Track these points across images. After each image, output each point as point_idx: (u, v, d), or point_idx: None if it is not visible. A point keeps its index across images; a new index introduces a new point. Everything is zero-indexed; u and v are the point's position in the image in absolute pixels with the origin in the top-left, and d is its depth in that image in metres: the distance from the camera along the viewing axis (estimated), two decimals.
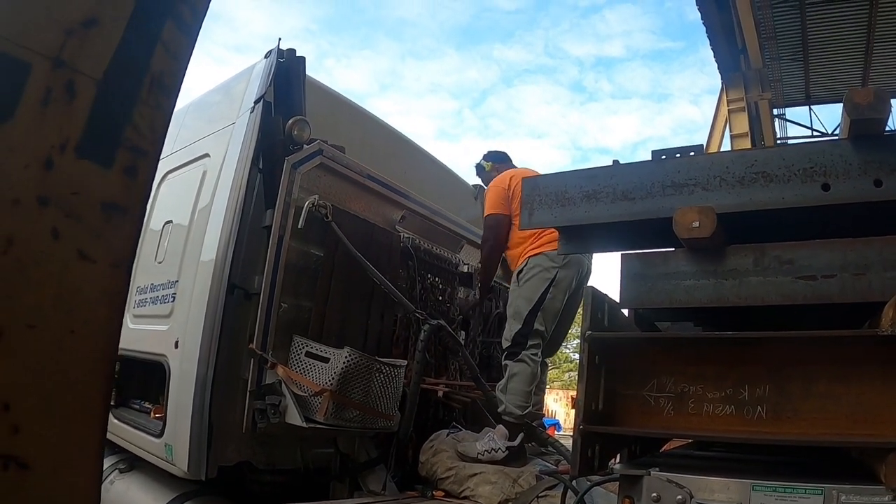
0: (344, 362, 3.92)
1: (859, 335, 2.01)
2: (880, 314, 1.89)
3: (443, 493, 4.09)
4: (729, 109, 14.39)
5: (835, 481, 1.94)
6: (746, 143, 13.88)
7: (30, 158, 0.97)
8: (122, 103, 1.07)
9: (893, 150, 2.09)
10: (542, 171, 4.90)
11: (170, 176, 5.15)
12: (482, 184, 5.72)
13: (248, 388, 3.97)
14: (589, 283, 4.11)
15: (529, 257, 4.57)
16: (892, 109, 2.15)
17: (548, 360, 5.07)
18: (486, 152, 5.70)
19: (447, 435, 4.60)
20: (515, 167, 5.35)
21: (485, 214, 5.01)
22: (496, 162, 5.51)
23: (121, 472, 4.99)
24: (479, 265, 5.27)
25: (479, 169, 5.69)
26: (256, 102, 4.37)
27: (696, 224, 2.21)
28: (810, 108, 17.59)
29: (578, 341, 2.27)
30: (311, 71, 4.70)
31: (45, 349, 1.00)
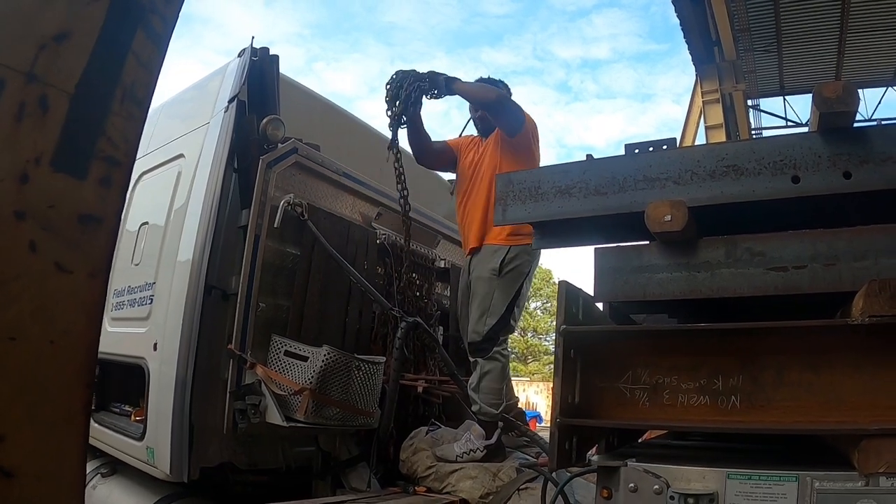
0: (323, 360, 3.93)
1: (830, 325, 2.04)
2: (851, 304, 1.93)
3: (425, 489, 4.10)
4: (703, 101, 14.56)
5: (809, 468, 1.98)
6: (721, 135, 14.03)
7: (5, 173, 0.98)
8: (95, 115, 1.08)
9: (862, 143, 2.13)
10: None
11: (145, 177, 5.12)
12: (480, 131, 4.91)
13: (228, 389, 3.96)
14: (562, 278, 3.97)
15: (512, 247, 4.30)
16: (861, 101, 2.19)
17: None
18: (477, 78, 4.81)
19: (426, 433, 4.61)
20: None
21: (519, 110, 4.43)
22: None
23: (103, 476, 4.97)
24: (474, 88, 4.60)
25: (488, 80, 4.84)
26: (230, 102, 4.35)
27: (668, 218, 2.24)
28: (784, 99, 17.85)
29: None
30: (301, 75, 4.80)
31: (25, 360, 1.01)
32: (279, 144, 4.30)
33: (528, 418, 6.08)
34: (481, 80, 4.77)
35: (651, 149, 2.53)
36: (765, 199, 2.22)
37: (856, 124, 2.17)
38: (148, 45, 1.14)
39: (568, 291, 2.26)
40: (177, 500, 4.34)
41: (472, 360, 4.48)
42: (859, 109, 2.33)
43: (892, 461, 1.82)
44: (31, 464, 1.02)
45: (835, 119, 2.12)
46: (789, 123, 17.86)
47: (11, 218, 0.98)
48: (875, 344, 1.94)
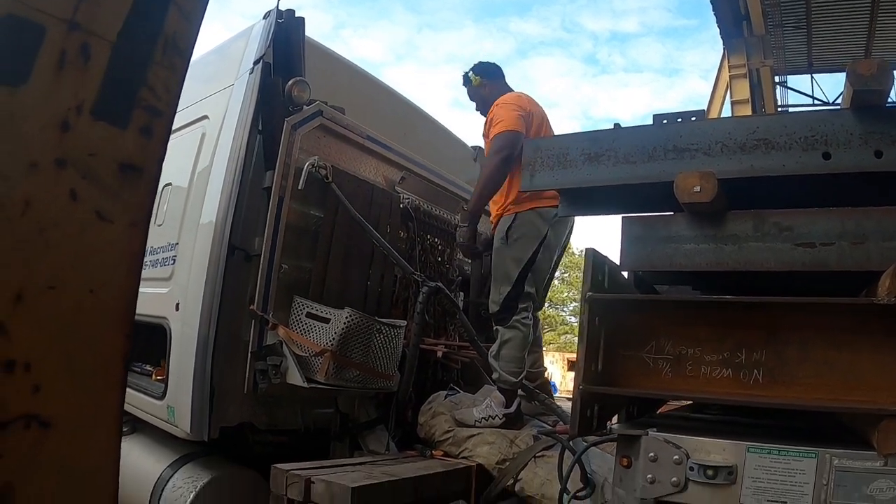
0: (344, 323, 3.96)
1: (856, 303, 2.05)
2: (877, 283, 1.92)
3: (442, 453, 4.14)
4: (730, 76, 14.39)
5: (828, 445, 1.98)
6: (747, 110, 13.88)
7: (46, 121, 0.98)
8: (137, 65, 1.08)
9: (895, 122, 2.10)
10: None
11: (169, 139, 5.10)
12: (470, 97, 5.02)
13: (249, 349, 4.00)
14: (583, 247, 3.89)
15: (517, 213, 4.32)
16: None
17: (538, 316, 4.98)
18: (476, 63, 5.00)
19: (445, 397, 4.65)
20: (511, 89, 4.85)
21: (496, 131, 4.33)
22: (488, 78, 4.90)
23: (123, 434, 5.02)
24: (478, 184, 4.61)
25: (466, 81, 4.99)
26: (255, 63, 4.34)
27: (698, 189, 2.21)
28: (812, 77, 17.49)
29: (574, 304, 2.30)
30: (328, 40, 4.71)
31: (64, 310, 1.02)
32: (304, 107, 4.30)
33: None
34: (466, 76, 4.99)
35: (679, 119, 2.50)
36: (795, 175, 2.20)
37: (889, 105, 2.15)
38: None
39: (595, 259, 2.26)
40: (196, 458, 4.40)
41: (494, 328, 4.50)
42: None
43: None
44: (68, 414, 1.03)
45: (868, 97, 2.09)
46: (816, 102, 17.51)
47: (52, 166, 0.99)
48: None
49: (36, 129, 0.97)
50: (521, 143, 3.93)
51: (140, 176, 1.09)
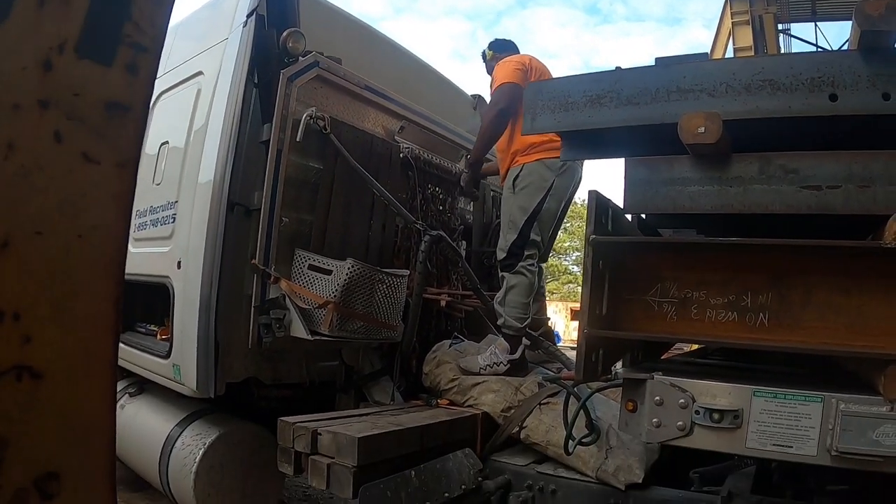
0: (346, 274, 3.94)
1: (862, 247, 2.05)
2: (884, 227, 1.90)
3: (447, 402, 4.17)
4: (733, 22, 14.21)
5: (834, 390, 1.99)
6: None
7: (28, 61, 0.95)
8: None
9: None
10: None
11: (164, 97, 5.11)
12: (488, 73, 5.21)
13: (253, 304, 3.99)
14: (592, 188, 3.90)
15: (525, 164, 4.42)
16: None
17: (543, 266, 5.02)
18: (491, 40, 5.34)
19: (449, 346, 4.67)
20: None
21: (497, 84, 4.55)
22: (501, 52, 5.13)
23: (131, 395, 5.11)
24: (478, 135, 4.88)
25: (484, 57, 5.32)
26: (249, 16, 4.28)
27: (702, 129, 2.18)
28: (816, 25, 17.22)
29: (577, 254, 2.29)
30: None
31: (52, 256, 0.99)
32: (300, 58, 4.23)
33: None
34: (483, 54, 5.27)
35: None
36: (801, 116, 2.17)
37: None
38: None
39: (598, 201, 2.25)
40: (204, 415, 4.47)
41: (500, 275, 4.57)
42: None
43: None
44: (60, 364, 1.01)
45: (876, 38, 2.05)
46: (820, 51, 17.31)
47: (35, 107, 0.95)
48: None
49: (17, 69, 0.93)
50: (519, 93, 4.14)
51: (127, 114, 1.06)
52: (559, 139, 2.81)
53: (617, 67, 2.66)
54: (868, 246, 2.02)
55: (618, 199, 2.45)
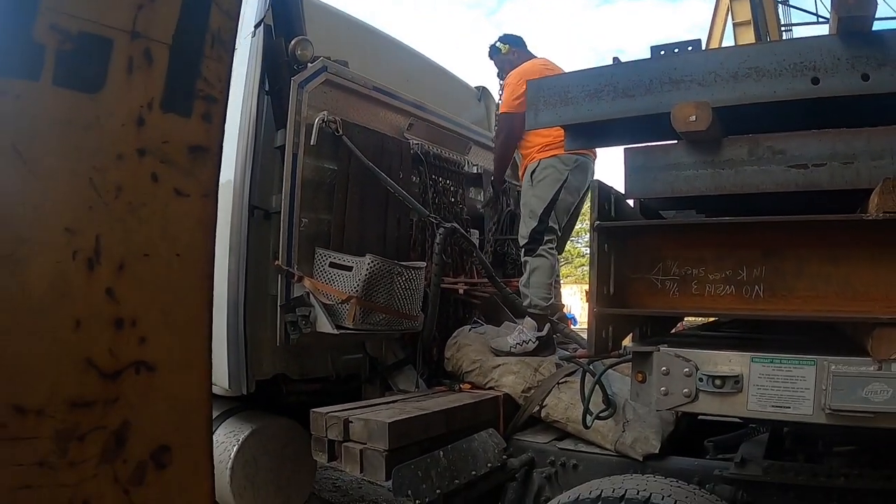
0: (367, 269, 4.09)
1: (848, 220, 2.16)
2: (868, 200, 2.06)
3: (469, 386, 4.31)
4: None
5: (827, 354, 2.14)
6: (749, 32, 13.63)
7: (125, 118, 1.15)
8: (192, 61, 1.24)
9: (880, 47, 2.20)
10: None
11: None
12: (497, 67, 5.47)
13: (278, 303, 4.13)
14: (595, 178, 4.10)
15: (541, 160, 4.64)
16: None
17: (559, 255, 5.19)
18: (501, 34, 5.47)
19: (469, 330, 4.81)
20: (534, 56, 5.26)
21: (499, 111, 4.99)
22: (513, 45, 5.35)
23: None
24: (494, 160, 5.31)
25: (495, 51, 5.45)
26: (256, 27, 4.37)
27: (693, 118, 2.34)
28: None
29: (589, 237, 2.45)
30: None
31: (158, 273, 1.21)
32: (309, 64, 4.34)
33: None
34: (492, 48, 5.41)
35: (676, 50, 2.61)
36: (786, 100, 2.31)
37: (889, 20, 2.23)
38: None
39: (601, 189, 2.41)
40: (235, 413, 4.61)
41: (522, 260, 4.76)
42: (892, 7, 2.39)
43: None
44: (169, 359, 1.24)
45: (853, 23, 2.19)
46: (820, 20, 17.11)
47: (135, 155, 1.16)
48: (890, 238, 2.08)
49: (118, 126, 1.14)
50: (518, 121, 4.48)
51: (206, 155, 1.27)
52: None
53: (615, 59, 2.82)
54: (853, 219, 2.14)
55: (620, 185, 2.62)
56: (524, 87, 4.61)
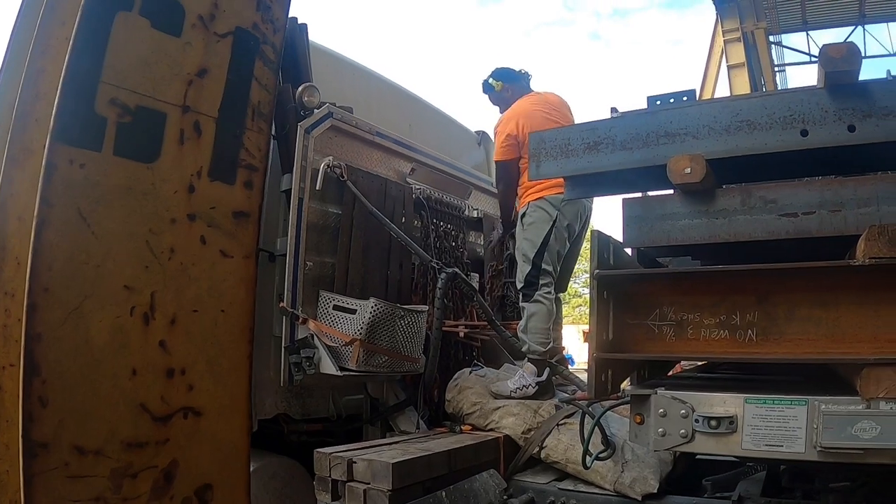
0: (370, 312, 4.16)
1: (836, 266, 2.25)
2: (855, 247, 2.16)
3: (470, 427, 4.35)
4: (725, 40, 14.35)
5: (817, 394, 2.22)
6: (743, 74, 13.85)
7: (177, 186, 1.27)
8: (235, 133, 1.36)
9: (865, 98, 2.31)
10: None
11: None
12: (493, 104, 5.46)
13: (283, 344, 4.18)
14: (594, 227, 4.17)
15: (530, 202, 4.69)
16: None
17: (560, 296, 5.25)
18: (493, 69, 5.40)
19: (470, 373, 4.86)
20: (528, 90, 5.26)
21: (494, 159, 5.11)
22: (506, 81, 5.30)
23: None
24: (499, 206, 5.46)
25: (488, 88, 5.41)
26: None
27: (688, 171, 2.45)
28: (808, 34, 17.38)
29: (586, 276, 2.55)
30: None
31: (205, 326, 1.32)
32: (315, 110, 4.44)
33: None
34: (487, 83, 5.42)
35: (672, 100, 2.73)
36: (776, 152, 2.42)
37: (879, 59, 2.36)
38: (265, 70, 1.41)
39: (600, 239, 2.52)
40: None
41: (520, 305, 4.81)
42: (883, 45, 2.50)
43: (890, 387, 2.08)
44: (214, 404, 1.35)
45: (840, 77, 2.31)
46: (813, 59, 17.32)
47: (186, 220, 1.29)
48: (876, 283, 2.18)
49: (171, 193, 1.26)
50: (513, 168, 4.85)
51: (248, 219, 1.39)
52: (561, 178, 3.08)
53: (612, 109, 2.94)
54: (841, 265, 2.23)
55: (618, 234, 2.73)
56: (513, 129, 4.74)
